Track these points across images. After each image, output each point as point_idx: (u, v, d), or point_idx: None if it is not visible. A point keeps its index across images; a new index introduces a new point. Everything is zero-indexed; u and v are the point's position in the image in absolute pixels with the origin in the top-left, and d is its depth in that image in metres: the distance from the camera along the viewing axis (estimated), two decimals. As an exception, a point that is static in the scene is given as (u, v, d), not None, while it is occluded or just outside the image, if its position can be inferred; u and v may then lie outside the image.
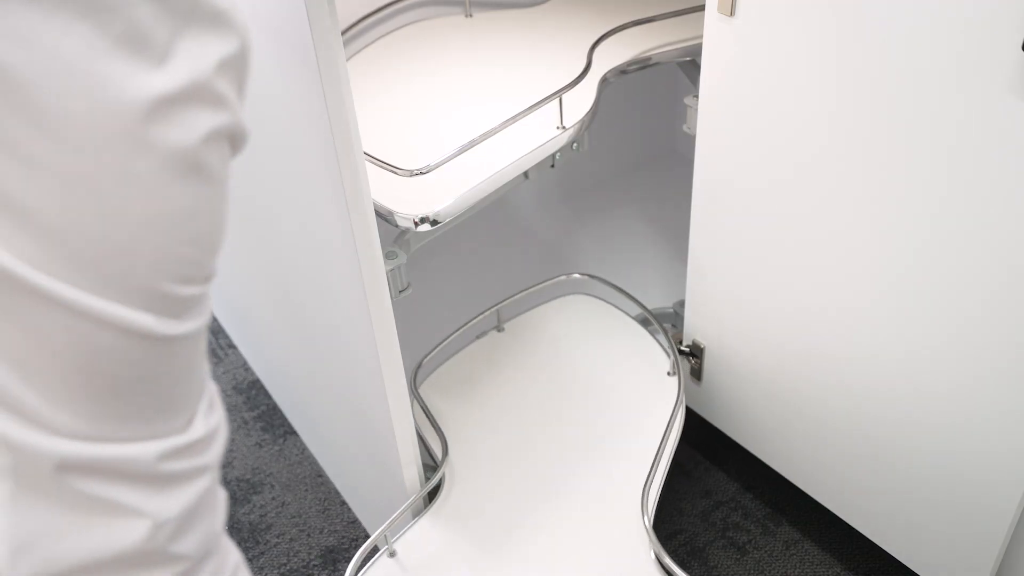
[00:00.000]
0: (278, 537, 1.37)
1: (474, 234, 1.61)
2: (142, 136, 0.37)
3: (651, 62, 1.23)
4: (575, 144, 1.10)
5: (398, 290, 1.07)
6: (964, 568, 1.02)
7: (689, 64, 1.32)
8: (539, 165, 1.06)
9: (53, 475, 0.40)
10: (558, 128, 1.07)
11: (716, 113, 1.04)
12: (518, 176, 1.05)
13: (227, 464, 1.50)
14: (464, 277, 1.45)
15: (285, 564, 1.33)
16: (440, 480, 1.11)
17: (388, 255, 1.06)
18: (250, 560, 1.34)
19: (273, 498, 1.43)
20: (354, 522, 1.38)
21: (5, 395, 0.38)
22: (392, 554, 1.04)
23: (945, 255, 0.86)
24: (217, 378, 1.68)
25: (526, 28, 1.33)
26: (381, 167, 0.99)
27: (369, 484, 1.24)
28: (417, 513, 1.08)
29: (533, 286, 1.38)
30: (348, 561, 1.32)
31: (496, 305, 1.34)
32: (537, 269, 1.58)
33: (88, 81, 0.35)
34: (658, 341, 1.31)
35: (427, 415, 1.20)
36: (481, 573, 1.03)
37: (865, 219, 0.92)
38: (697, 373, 1.29)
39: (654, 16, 1.27)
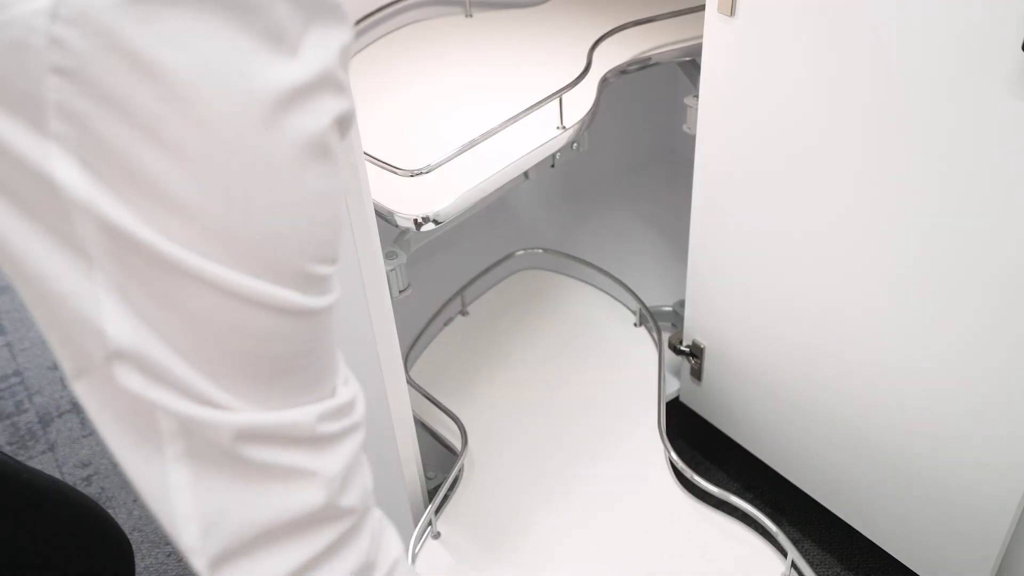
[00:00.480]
0: (278, 537, 1.37)
1: (474, 234, 1.61)
2: (283, 124, 0.39)
3: (651, 62, 1.23)
4: (575, 144, 1.10)
5: (398, 290, 1.07)
6: (964, 568, 1.02)
7: (689, 64, 1.31)
8: (539, 165, 1.06)
9: (230, 450, 0.43)
10: (558, 128, 1.07)
11: (716, 113, 1.04)
12: (518, 176, 1.05)
13: (227, 464, 1.50)
14: (464, 277, 1.45)
15: (285, 564, 1.33)
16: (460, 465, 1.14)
17: (388, 255, 1.06)
18: (250, 560, 1.34)
19: (273, 498, 1.43)
20: (354, 522, 1.38)
21: (175, 379, 0.41)
22: (436, 535, 1.06)
23: (945, 256, 0.86)
24: (217, 378, 1.68)
25: (526, 28, 1.33)
26: (381, 167, 0.99)
27: (369, 484, 1.24)
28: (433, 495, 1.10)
29: (489, 268, 1.46)
30: (348, 561, 1.32)
31: (459, 291, 1.40)
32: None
33: (236, 76, 0.37)
34: (616, 298, 1.41)
35: (437, 405, 1.20)
36: (525, 532, 1.07)
37: (865, 219, 0.92)
38: (697, 373, 1.29)
39: (654, 16, 1.27)
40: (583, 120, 1.09)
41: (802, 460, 1.19)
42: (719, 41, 0.99)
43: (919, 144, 0.83)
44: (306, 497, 0.46)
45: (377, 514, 0.54)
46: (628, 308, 1.40)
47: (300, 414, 0.45)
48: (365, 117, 1.11)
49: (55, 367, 1.72)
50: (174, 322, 0.40)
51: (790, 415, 1.16)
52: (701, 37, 1.01)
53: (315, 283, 0.43)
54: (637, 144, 1.87)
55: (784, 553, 1.03)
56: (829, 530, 1.30)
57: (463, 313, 1.41)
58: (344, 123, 0.43)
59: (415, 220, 0.95)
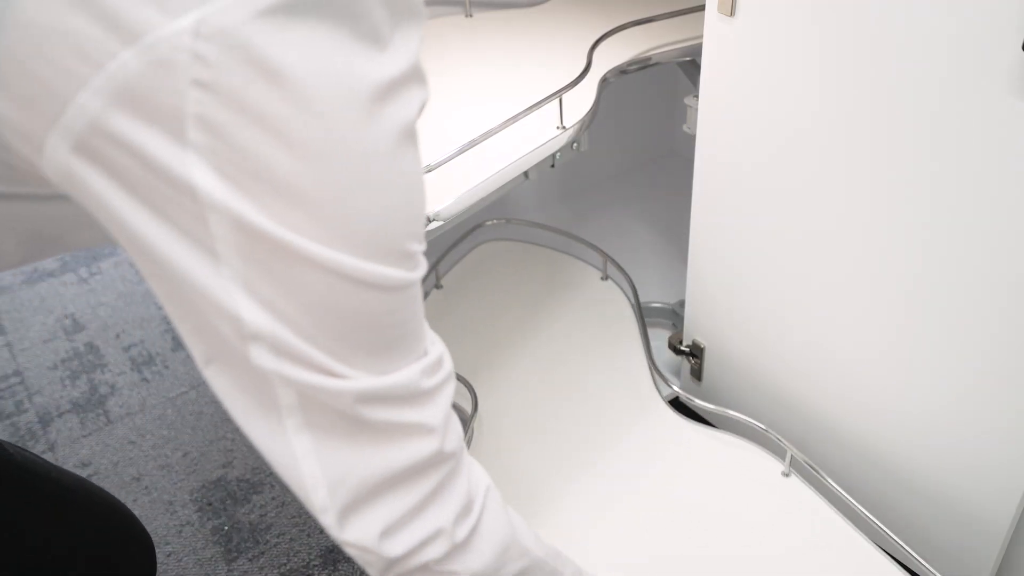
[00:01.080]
0: (278, 537, 1.37)
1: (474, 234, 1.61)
2: (383, 115, 0.44)
3: (651, 62, 1.23)
4: (575, 144, 1.10)
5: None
6: (964, 568, 1.02)
7: (689, 64, 1.32)
8: (539, 165, 1.06)
9: (350, 413, 0.48)
10: (558, 128, 1.07)
11: (716, 113, 1.04)
12: (518, 176, 1.05)
13: (227, 464, 1.50)
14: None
15: (285, 564, 1.33)
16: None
17: (388, 255, 1.06)
18: (250, 560, 1.34)
19: (273, 498, 1.43)
20: (354, 522, 1.38)
21: (299, 355, 0.45)
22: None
23: (945, 256, 0.86)
24: (217, 378, 1.68)
25: (526, 28, 1.33)
26: (381, 167, 0.98)
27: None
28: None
29: (457, 241, 1.51)
30: (348, 561, 1.32)
31: (433, 265, 1.46)
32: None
33: (347, 75, 0.42)
34: (581, 259, 1.49)
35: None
36: (534, 482, 1.11)
37: (865, 219, 0.92)
38: (697, 373, 1.29)
39: (654, 16, 1.27)
40: (583, 120, 1.09)
41: (802, 460, 1.19)
42: (719, 41, 0.99)
43: (919, 144, 0.83)
44: (419, 448, 0.52)
45: (467, 454, 0.60)
46: (594, 265, 1.47)
47: (406, 374, 0.50)
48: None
49: (55, 367, 1.72)
50: (295, 305, 0.44)
51: (790, 415, 1.16)
52: (701, 37, 1.01)
53: (411, 259, 0.48)
54: (637, 144, 1.87)
55: (783, 453, 1.08)
56: (829, 530, 1.30)
57: (437, 287, 1.45)
58: (423, 109, 0.47)
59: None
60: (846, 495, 1.02)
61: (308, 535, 1.37)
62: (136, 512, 1.42)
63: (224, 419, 1.58)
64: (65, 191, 0.45)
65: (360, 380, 0.47)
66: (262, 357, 0.45)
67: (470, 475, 0.58)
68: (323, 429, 0.48)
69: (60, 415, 1.62)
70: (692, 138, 1.11)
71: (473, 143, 1.01)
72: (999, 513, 0.94)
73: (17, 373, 1.72)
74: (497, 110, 1.10)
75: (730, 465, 1.10)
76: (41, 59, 0.40)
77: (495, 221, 1.56)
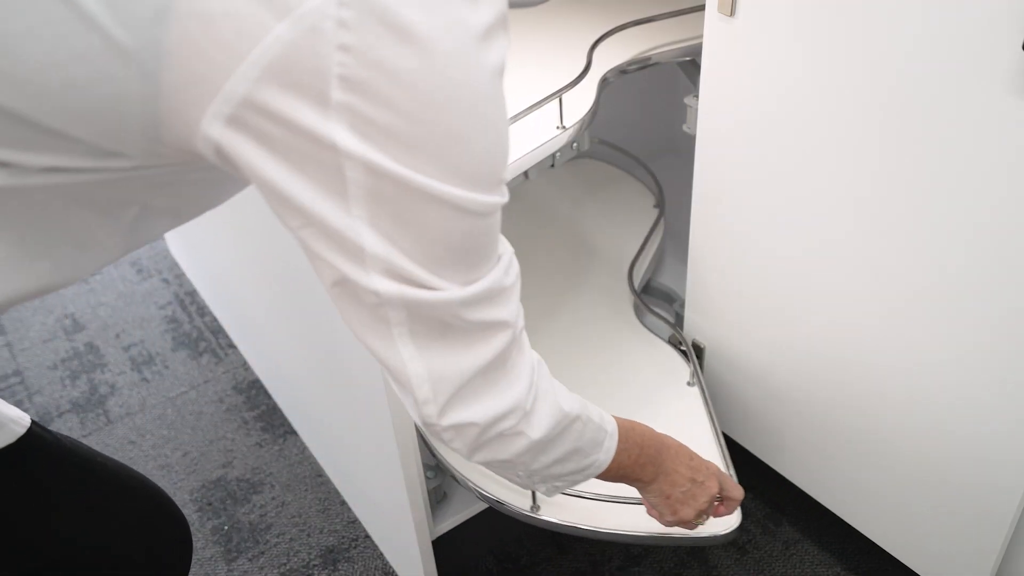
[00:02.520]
0: (278, 537, 1.37)
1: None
2: (485, 58, 0.50)
3: (651, 62, 1.23)
4: (575, 144, 1.10)
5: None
6: (964, 568, 1.02)
7: (689, 64, 1.31)
8: (539, 165, 1.06)
9: (447, 320, 0.56)
10: (558, 128, 1.07)
11: (716, 113, 1.04)
12: (518, 176, 1.05)
13: (227, 464, 1.50)
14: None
15: (285, 564, 1.33)
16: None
17: (388, 255, 1.06)
18: (250, 560, 1.34)
19: (273, 498, 1.43)
20: (354, 522, 1.38)
21: (409, 275, 0.53)
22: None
23: (945, 255, 0.86)
24: (217, 378, 1.68)
25: (526, 28, 1.33)
26: (381, 167, 0.98)
27: (369, 484, 1.24)
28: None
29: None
30: (348, 561, 1.32)
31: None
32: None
33: (457, 25, 0.48)
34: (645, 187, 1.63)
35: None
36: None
37: (865, 219, 0.92)
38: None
39: (654, 16, 1.27)
40: (583, 120, 1.09)
41: (802, 460, 1.19)
42: (719, 41, 0.99)
43: (919, 144, 0.83)
44: (502, 339, 0.59)
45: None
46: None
47: (491, 278, 0.57)
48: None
49: (55, 367, 1.72)
50: (410, 234, 0.51)
51: (790, 415, 1.16)
52: (701, 37, 1.01)
53: (503, 185, 0.55)
54: (637, 145, 1.87)
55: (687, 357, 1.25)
56: (829, 530, 1.30)
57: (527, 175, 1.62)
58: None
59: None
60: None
61: (308, 535, 1.37)
62: (136, 512, 1.42)
63: (224, 419, 1.58)
64: (211, 163, 0.51)
65: (458, 291, 0.55)
66: (377, 280, 0.52)
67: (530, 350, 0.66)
68: (425, 336, 0.56)
69: (60, 415, 1.62)
70: (692, 138, 1.11)
71: (473, 143, 1.00)
72: (999, 513, 0.94)
73: (17, 373, 1.72)
74: (497, 110, 1.10)
75: (649, 365, 1.27)
76: (209, 40, 0.45)
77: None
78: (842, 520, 1.17)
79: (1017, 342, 0.84)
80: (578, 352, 1.32)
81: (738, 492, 0.95)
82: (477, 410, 0.61)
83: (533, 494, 1.06)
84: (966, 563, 1.01)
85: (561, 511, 1.06)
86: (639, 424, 0.84)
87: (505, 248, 0.61)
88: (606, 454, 0.77)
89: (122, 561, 0.81)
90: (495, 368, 0.60)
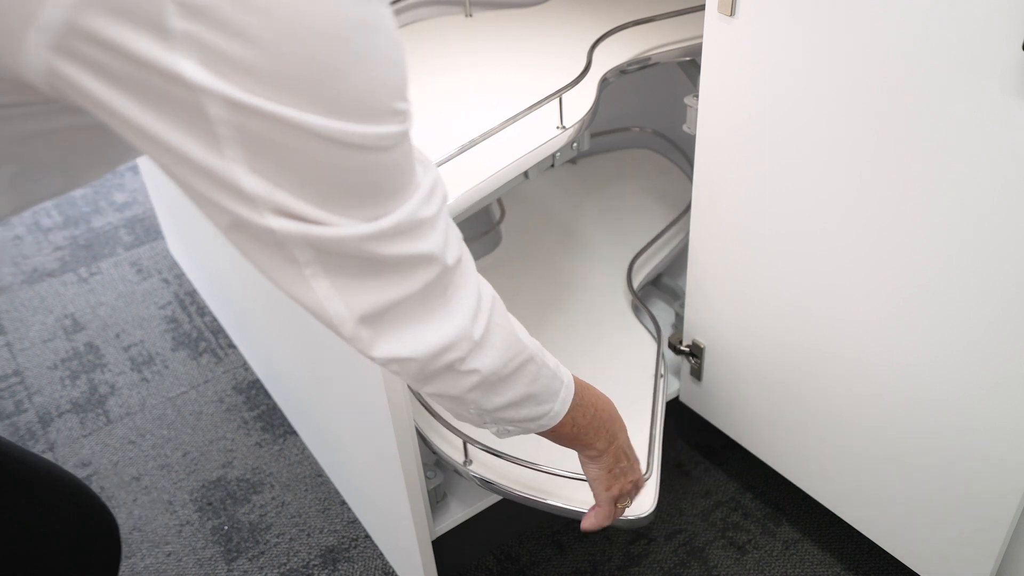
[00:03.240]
0: (278, 537, 1.37)
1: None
2: None
3: (651, 62, 1.23)
4: (575, 144, 1.10)
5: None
6: (964, 568, 1.02)
7: (689, 64, 1.31)
8: (539, 165, 1.06)
9: (359, 255, 0.53)
10: (558, 128, 1.07)
11: (716, 113, 1.04)
12: (518, 176, 1.05)
13: (227, 464, 1.50)
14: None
15: (285, 564, 1.33)
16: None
17: (388, 255, 1.06)
18: (250, 560, 1.34)
19: (273, 498, 1.43)
20: (354, 522, 1.38)
21: (294, 212, 0.49)
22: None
23: (945, 254, 0.86)
24: (217, 378, 1.68)
25: (526, 28, 1.33)
26: (381, 167, 0.98)
27: (369, 484, 1.24)
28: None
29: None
30: (348, 561, 1.32)
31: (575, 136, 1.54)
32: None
33: None
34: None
35: (437, 419, 1.20)
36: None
37: (865, 218, 0.92)
38: (697, 373, 1.29)
39: (654, 16, 1.27)
40: (583, 120, 1.09)
41: (802, 460, 1.19)
42: (719, 41, 0.99)
43: (919, 144, 0.83)
44: (428, 273, 0.57)
45: (471, 258, 0.65)
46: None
47: (402, 212, 0.54)
48: (365, 117, 1.11)
49: (55, 367, 1.72)
50: (293, 171, 0.48)
51: (790, 415, 1.16)
52: (701, 37, 1.01)
53: (398, 116, 0.51)
54: (637, 144, 1.87)
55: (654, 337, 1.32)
56: (829, 530, 1.30)
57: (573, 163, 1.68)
58: None
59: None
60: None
61: (308, 535, 1.37)
62: (136, 512, 1.42)
63: (224, 419, 1.58)
64: (55, 95, 0.46)
65: (362, 227, 0.52)
66: (271, 219, 0.49)
67: (477, 278, 0.64)
68: (339, 273, 0.54)
69: (60, 415, 1.62)
70: (692, 138, 1.11)
71: (473, 143, 1.01)
72: (999, 513, 0.94)
73: (17, 373, 1.72)
74: (497, 110, 1.10)
75: (620, 336, 1.33)
76: None
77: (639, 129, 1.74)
78: (842, 520, 1.17)
79: (1018, 341, 0.84)
80: (572, 350, 1.32)
81: (640, 479, 0.95)
82: (412, 344, 0.59)
83: (465, 448, 1.10)
84: (966, 563, 1.01)
85: (490, 472, 1.10)
86: (595, 388, 0.83)
87: (425, 177, 0.57)
88: (562, 405, 0.75)
89: (47, 561, 0.79)
90: (424, 301, 0.58)
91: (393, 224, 0.53)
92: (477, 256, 1.52)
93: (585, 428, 0.80)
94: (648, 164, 1.71)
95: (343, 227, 0.51)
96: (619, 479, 0.89)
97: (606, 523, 0.93)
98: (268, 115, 0.45)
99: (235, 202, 0.49)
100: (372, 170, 0.51)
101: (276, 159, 0.47)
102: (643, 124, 1.73)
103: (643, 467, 1.09)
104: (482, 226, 1.56)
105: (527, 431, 0.76)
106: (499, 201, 1.52)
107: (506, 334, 0.66)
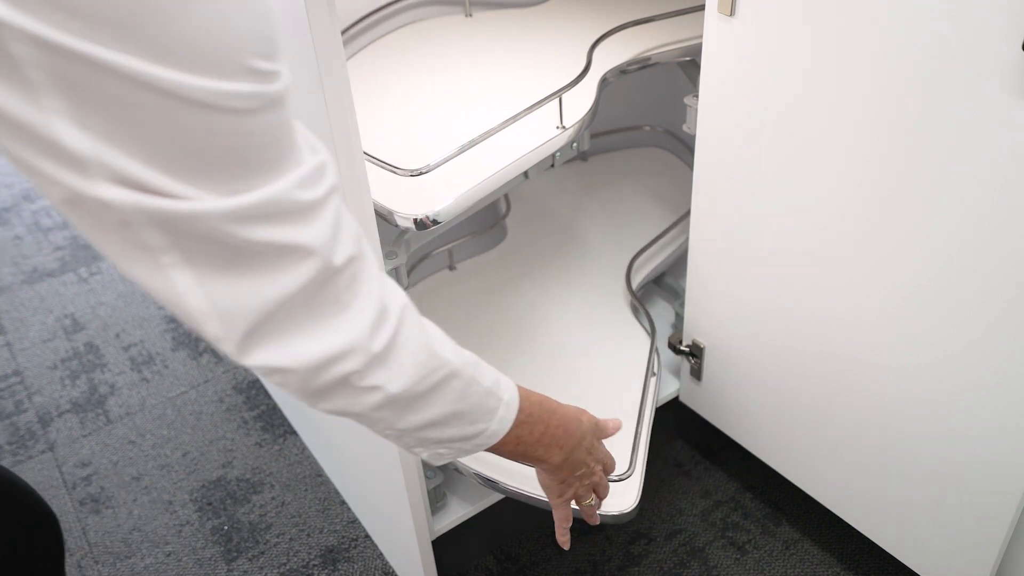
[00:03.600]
0: (278, 537, 1.37)
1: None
2: None
3: (651, 62, 1.23)
4: (575, 144, 1.10)
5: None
6: (964, 568, 1.02)
7: (689, 64, 1.31)
8: (539, 165, 1.06)
9: (222, 240, 0.46)
10: (558, 128, 1.07)
11: (716, 113, 1.04)
12: (518, 176, 1.05)
13: (227, 464, 1.50)
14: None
15: (285, 564, 1.33)
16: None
17: (388, 255, 1.06)
18: (250, 560, 1.34)
19: (273, 498, 1.43)
20: (354, 522, 1.38)
21: (139, 181, 0.43)
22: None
23: (945, 254, 0.86)
24: (217, 378, 1.68)
25: (526, 28, 1.33)
26: (381, 167, 0.98)
27: (369, 484, 1.24)
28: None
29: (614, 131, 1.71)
30: (348, 561, 1.32)
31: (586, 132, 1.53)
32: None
33: None
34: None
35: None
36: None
37: (865, 218, 0.92)
38: (697, 373, 1.29)
39: (654, 16, 1.27)
40: (583, 120, 1.09)
41: (802, 459, 1.19)
42: (719, 41, 0.99)
43: (919, 144, 0.83)
44: (307, 268, 0.50)
45: (376, 264, 0.58)
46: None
47: (273, 190, 0.47)
48: (365, 117, 1.11)
49: (55, 367, 1.72)
50: (131, 131, 0.41)
51: (790, 415, 1.16)
52: (701, 37, 1.01)
53: (261, 76, 0.44)
54: (637, 143, 1.87)
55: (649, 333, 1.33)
56: (829, 530, 1.30)
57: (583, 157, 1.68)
58: None
59: (415, 220, 0.95)
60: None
61: (308, 535, 1.37)
62: (136, 512, 1.42)
63: (224, 419, 1.58)
64: None
65: (217, 201, 0.45)
66: (104, 188, 0.42)
67: (383, 287, 0.57)
68: (204, 263, 0.47)
69: (60, 415, 1.62)
70: (692, 138, 1.11)
71: (473, 143, 1.01)
72: (999, 513, 0.94)
73: (17, 373, 1.72)
74: (497, 110, 1.10)
75: (616, 335, 1.34)
76: None
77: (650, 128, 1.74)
78: (842, 520, 1.17)
79: (1018, 342, 0.84)
80: (568, 346, 1.32)
81: (601, 478, 0.90)
82: (289, 353, 0.52)
83: None
84: (966, 563, 1.01)
85: (490, 470, 1.09)
86: (549, 400, 0.77)
87: (316, 155, 0.51)
88: (500, 423, 0.69)
89: None
90: (309, 304, 0.51)
91: (258, 202, 0.46)
92: (482, 250, 1.53)
93: (533, 445, 0.75)
94: (658, 163, 1.71)
95: (196, 201, 0.44)
96: (573, 484, 0.85)
97: (565, 524, 0.90)
98: (85, 58, 0.38)
99: (61, 167, 0.41)
100: (226, 135, 0.44)
101: (106, 112, 0.40)
102: (654, 123, 1.73)
103: (625, 465, 1.09)
104: (488, 220, 1.56)
105: (463, 452, 0.70)
106: (506, 196, 1.52)
107: (419, 348, 0.59)
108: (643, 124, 1.73)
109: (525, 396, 0.73)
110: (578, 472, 0.84)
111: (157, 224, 0.44)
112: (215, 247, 0.46)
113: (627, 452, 1.13)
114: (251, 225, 0.46)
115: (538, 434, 0.75)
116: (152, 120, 0.41)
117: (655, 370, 1.28)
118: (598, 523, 0.95)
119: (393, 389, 0.58)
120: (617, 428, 0.91)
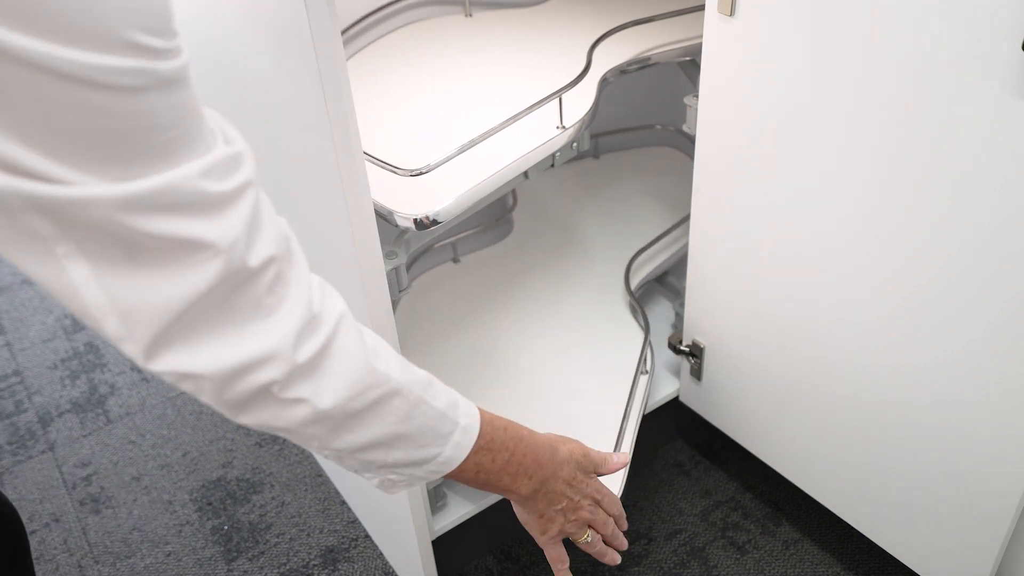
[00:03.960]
0: (278, 537, 1.37)
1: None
2: None
3: (651, 62, 1.23)
4: (575, 144, 1.10)
5: (398, 290, 1.07)
6: (964, 568, 1.02)
7: (689, 64, 1.31)
8: (539, 165, 1.06)
9: (117, 231, 0.43)
10: (558, 128, 1.07)
11: (716, 113, 1.04)
12: (518, 176, 1.05)
13: (227, 464, 1.50)
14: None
15: (285, 564, 1.33)
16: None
17: (388, 255, 1.06)
18: (250, 560, 1.34)
19: (273, 498, 1.43)
20: (354, 522, 1.38)
21: (17, 164, 0.40)
22: None
23: (945, 255, 0.86)
24: (217, 378, 1.68)
25: (526, 28, 1.33)
26: (381, 167, 0.99)
27: (368, 484, 1.24)
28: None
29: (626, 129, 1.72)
30: (348, 561, 1.32)
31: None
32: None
33: None
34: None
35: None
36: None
37: (865, 218, 0.92)
38: (697, 373, 1.29)
39: (654, 16, 1.27)
40: (583, 120, 1.09)
41: (802, 460, 1.19)
42: (719, 41, 0.99)
43: (919, 144, 0.83)
44: (211, 268, 0.46)
45: (314, 277, 0.55)
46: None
47: (175, 176, 0.43)
48: (365, 117, 1.11)
49: (55, 367, 1.72)
50: (10, 109, 0.38)
51: (790, 415, 1.16)
52: (701, 37, 1.01)
53: (147, 52, 0.41)
54: (637, 143, 1.87)
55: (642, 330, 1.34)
56: (829, 530, 1.30)
57: (595, 156, 1.69)
58: None
59: (415, 220, 0.95)
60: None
61: (308, 535, 1.37)
62: (136, 512, 1.42)
63: (224, 419, 1.58)
64: None
65: (105, 187, 0.41)
66: None
67: (324, 295, 0.54)
68: (98, 255, 0.44)
69: (60, 415, 1.62)
70: (681, 138, 1.11)
71: (473, 143, 1.01)
72: (999, 513, 0.94)
73: (17, 373, 1.72)
74: (497, 110, 1.10)
75: (610, 332, 1.35)
76: None
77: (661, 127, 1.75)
78: (842, 520, 1.17)
79: (1018, 342, 0.84)
80: (564, 342, 1.33)
81: (598, 514, 0.82)
82: (200, 358, 0.48)
83: None
84: (966, 563, 1.01)
85: None
86: (517, 426, 0.72)
87: (231, 145, 0.47)
88: (455, 449, 0.65)
89: None
90: (221, 305, 0.48)
91: (151, 189, 0.42)
92: (487, 244, 1.53)
93: (497, 473, 0.70)
94: (669, 162, 1.71)
95: (79, 186, 0.41)
96: (556, 520, 0.79)
97: (560, 564, 0.84)
98: None
99: None
100: (110, 115, 0.40)
101: None
102: (666, 122, 1.73)
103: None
104: (495, 214, 1.56)
105: (417, 479, 0.66)
106: (513, 191, 1.53)
107: (354, 362, 0.55)
108: (655, 123, 1.73)
109: (488, 421, 0.69)
110: (557, 506, 0.78)
111: (39, 210, 0.41)
112: (110, 238, 0.43)
113: (610, 448, 1.15)
114: (146, 215, 0.43)
115: (502, 462, 0.70)
116: (27, 97, 0.38)
117: (647, 368, 1.28)
118: (617, 562, 0.88)
119: (322, 404, 0.54)
120: (620, 464, 0.86)
